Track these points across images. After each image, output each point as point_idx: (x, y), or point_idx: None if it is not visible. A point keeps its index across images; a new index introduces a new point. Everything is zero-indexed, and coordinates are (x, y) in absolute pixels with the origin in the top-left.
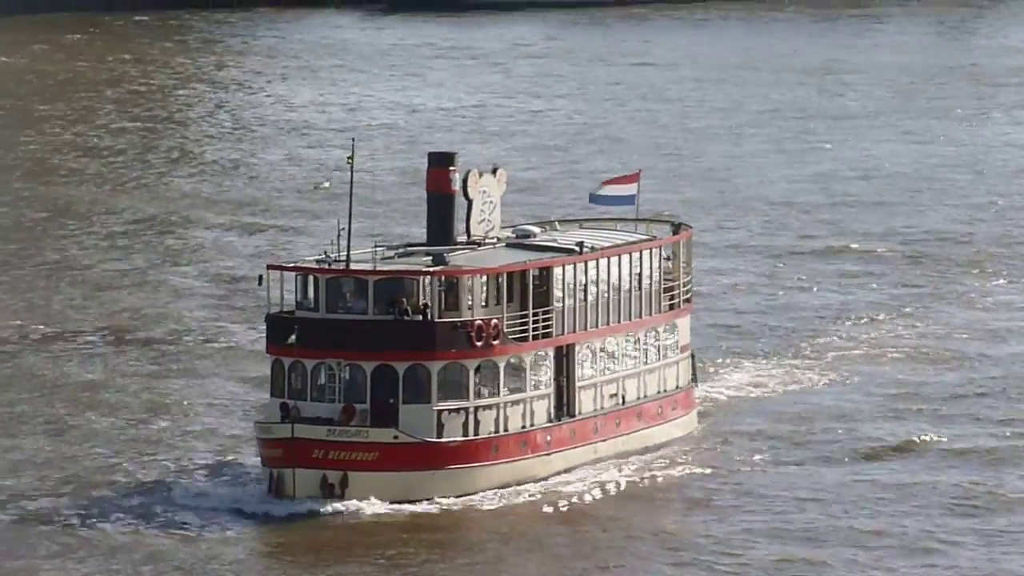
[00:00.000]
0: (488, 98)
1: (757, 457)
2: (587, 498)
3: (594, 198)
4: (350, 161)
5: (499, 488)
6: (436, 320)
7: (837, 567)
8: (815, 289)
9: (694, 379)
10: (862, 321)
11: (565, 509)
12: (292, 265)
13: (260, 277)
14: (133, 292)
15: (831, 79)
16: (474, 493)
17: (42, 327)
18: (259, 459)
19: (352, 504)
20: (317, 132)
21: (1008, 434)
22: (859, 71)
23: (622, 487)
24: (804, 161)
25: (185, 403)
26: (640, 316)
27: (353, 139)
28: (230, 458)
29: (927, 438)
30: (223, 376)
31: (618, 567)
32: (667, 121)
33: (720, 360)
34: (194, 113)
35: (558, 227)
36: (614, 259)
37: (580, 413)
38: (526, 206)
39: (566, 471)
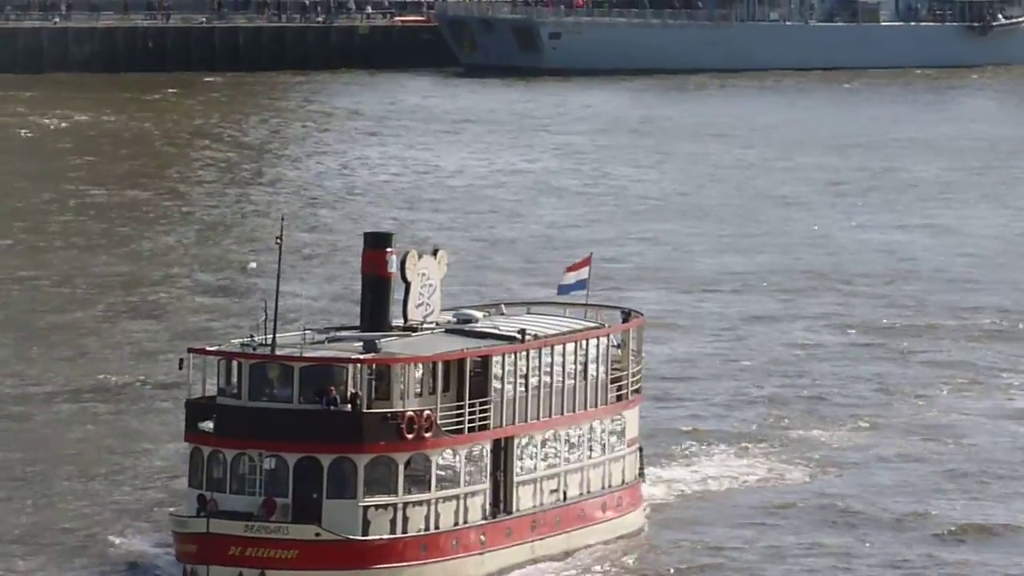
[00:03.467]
0: (553, 163)
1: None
2: None
3: (560, 289)
4: (279, 241)
5: None
6: (365, 410)
7: None
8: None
9: (641, 474)
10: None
11: None
12: (214, 349)
13: (180, 361)
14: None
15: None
16: None
17: None
18: (173, 554)
19: None
20: (390, 193)
21: None
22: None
23: None
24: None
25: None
26: (585, 408)
27: (283, 216)
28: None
29: None
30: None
31: None
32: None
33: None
34: (270, 173)
35: (504, 311)
36: (558, 347)
37: (518, 510)
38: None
39: (501, 572)
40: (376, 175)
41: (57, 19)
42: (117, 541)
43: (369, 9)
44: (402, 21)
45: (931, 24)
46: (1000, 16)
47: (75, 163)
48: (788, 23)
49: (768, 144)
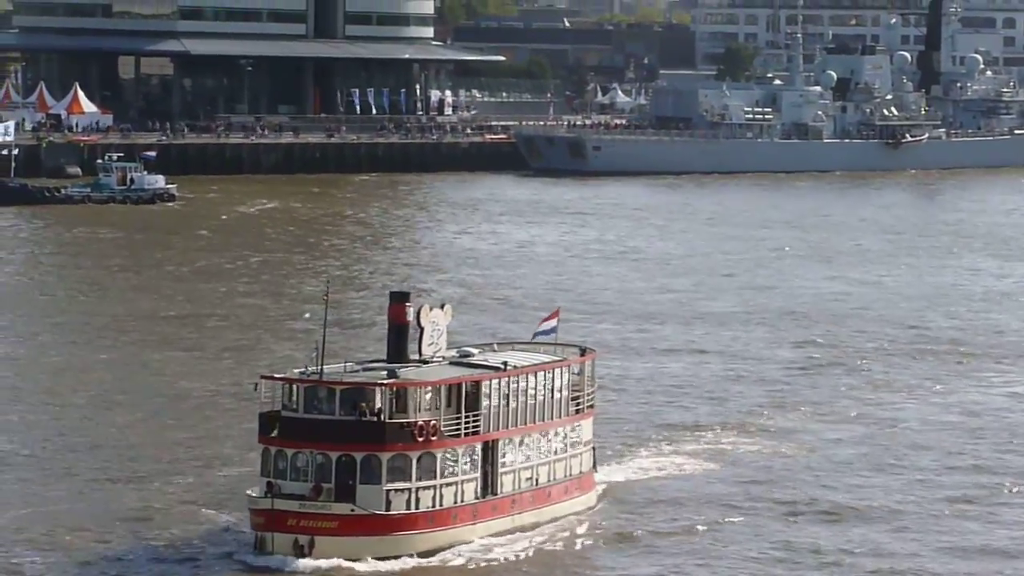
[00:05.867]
0: (592, 234)
1: (640, 526)
2: (506, 557)
3: (536, 334)
4: (325, 298)
5: (435, 550)
6: (387, 421)
7: None
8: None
9: (594, 466)
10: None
11: (488, 565)
12: (280, 376)
13: (255, 385)
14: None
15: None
16: (414, 555)
17: None
18: (249, 523)
19: (317, 562)
20: (486, 260)
21: None
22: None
23: (534, 549)
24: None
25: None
26: (552, 418)
27: (328, 280)
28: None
29: None
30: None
31: None
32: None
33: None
34: (392, 243)
35: (496, 348)
36: (532, 375)
37: (501, 492)
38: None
39: (489, 536)
40: (460, 241)
41: (253, 137)
42: (211, 513)
43: (468, 131)
44: (491, 138)
45: (858, 141)
46: (908, 135)
47: (258, 234)
48: (759, 140)
49: (741, 222)
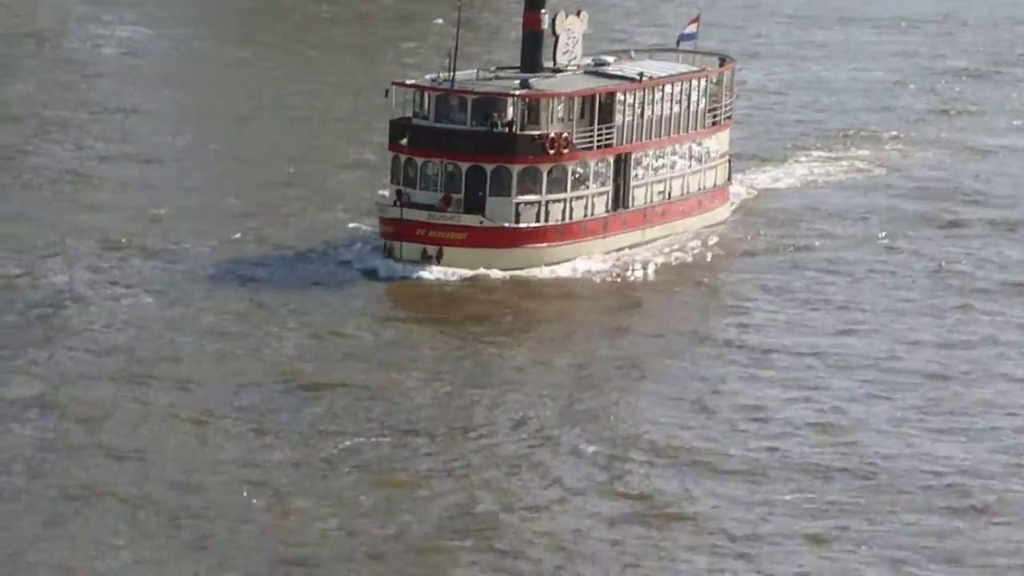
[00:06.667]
0: None
1: (777, 238)
2: (637, 270)
3: (681, 37)
4: (459, 2)
5: (563, 263)
6: (518, 133)
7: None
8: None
9: (729, 180)
10: None
11: (619, 278)
12: (411, 83)
13: (387, 91)
14: None
15: None
16: (541, 268)
17: None
18: (379, 231)
19: (446, 272)
20: None
21: None
22: None
23: (661, 261)
24: None
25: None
26: (687, 131)
27: None
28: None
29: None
30: None
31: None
32: None
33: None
34: None
35: (632, 56)
36: (668, 86)
37: (633, 206)
38: None
39: (618, 250)
40: None
41: None
42: (343, 217)
43: None
44: None
45: None
46: None
47: None
48: None
49: None
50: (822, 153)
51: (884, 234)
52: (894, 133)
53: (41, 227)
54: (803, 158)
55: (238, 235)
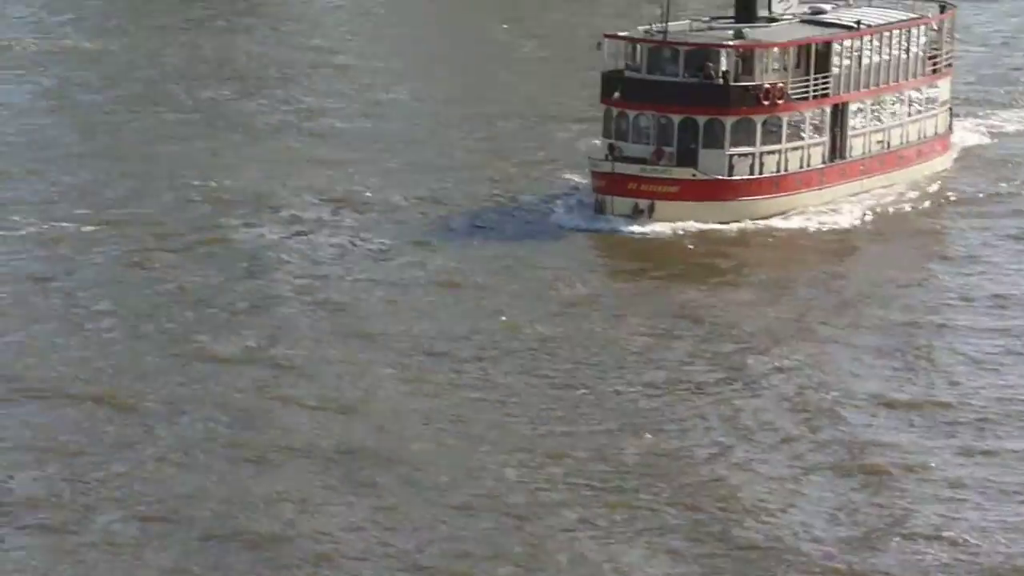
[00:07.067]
0: None
1: (1002, 185)
2: (853, 223)
3: None
4: None
5: (778, 215)
6: (731, 84)
7: None
8: None
9: (950, 128)
10: None
11: (836, 231)
12: (623, 35)
13: (598, 43)
14: None
15: None
16: (757, 220)
17: None
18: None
19: (657, 226)
20: None
21: None
22: None
23: (879, 210)
24: None
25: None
26: (906, 79)
27: None
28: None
29: None
30: None
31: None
32: None
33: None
34: None
35: (851, 3)
36: (886, 34)
37: (850, 156)
38: None
39: (835, 201)
40: None
41: None
42: (555, 170)
43: None
44: None
45: None
46: None
47: None
48: None
49: None
50: None
51: None
52: None
53: (259, 181)
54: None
55: (446, 190)
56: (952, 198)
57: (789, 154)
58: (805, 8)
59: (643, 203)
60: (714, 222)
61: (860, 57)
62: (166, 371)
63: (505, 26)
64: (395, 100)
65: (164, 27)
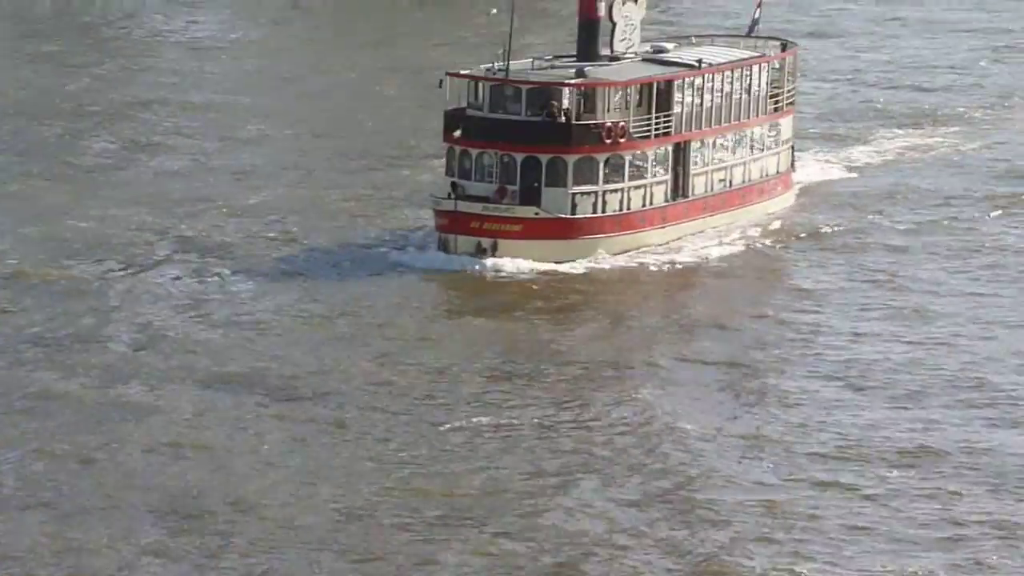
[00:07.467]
0: None
1: (840, 222)
2: (696, 260)
3: (750, 27)
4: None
5: (621, 254)
6: (574, 123)
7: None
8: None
9: (792, 166)
10: None
11: (679, 268)
12: (465, 73)
13: (440, 81)
14: None
15: None
16: (599, 258)
17: None
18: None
19: (501, 264)
20: None
21: None
22: None
23: (722, 249)
24: None
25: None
26: (748, 117)
27: None
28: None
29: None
30: None
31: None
32: None
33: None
34: None
35: (693, 41)
36: (727, 72)
37: (693, 195)
38: None
39: (678, 240)
40: None
41: None
42: (413, 212)
43: None
44: None
45: None
46: None
47: None
48: None
49: None
50: (899, 134)
51: (964, 216)
52: (972, 112)
53: (103, 220)
54: (882, 139)
55: (292, 228)
56: (792, 235)
57: (632, 192)
58: (647, 47)
59: (486, 242)
60: (558, 260)
61: (702, 96)
62: None
63: (368, 60)
64: (249, 138)
65: (4, 62)
